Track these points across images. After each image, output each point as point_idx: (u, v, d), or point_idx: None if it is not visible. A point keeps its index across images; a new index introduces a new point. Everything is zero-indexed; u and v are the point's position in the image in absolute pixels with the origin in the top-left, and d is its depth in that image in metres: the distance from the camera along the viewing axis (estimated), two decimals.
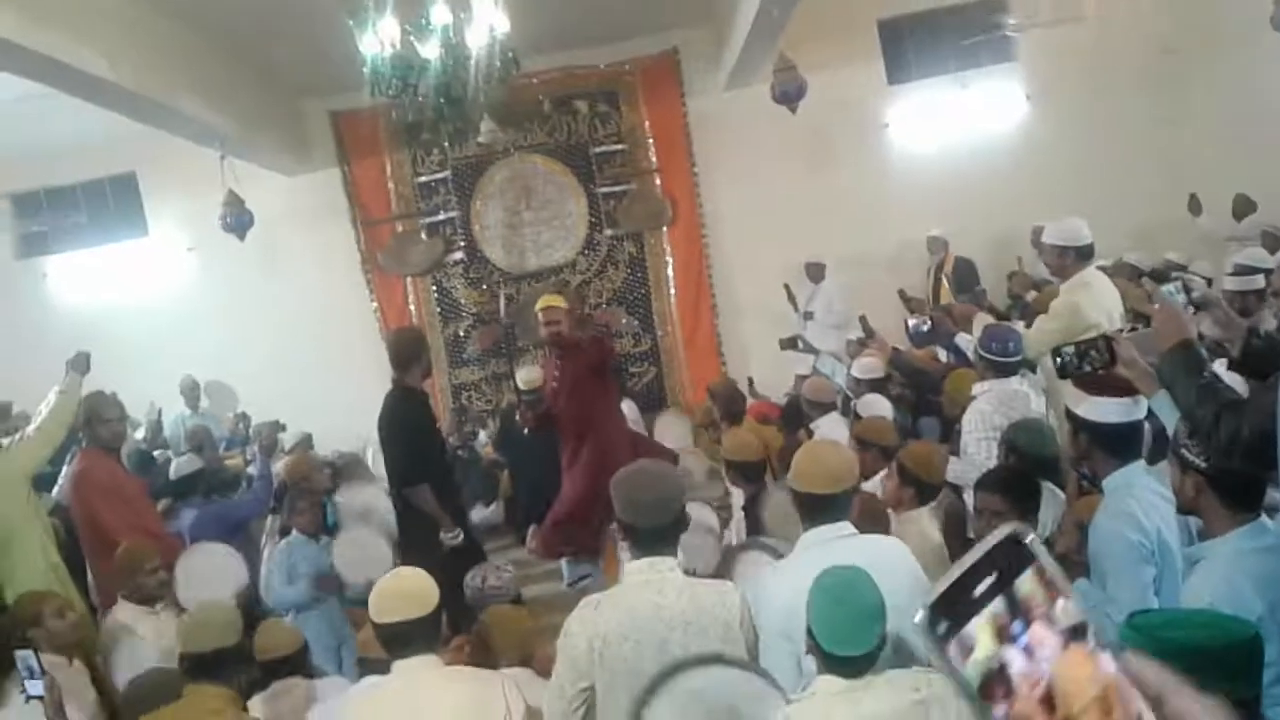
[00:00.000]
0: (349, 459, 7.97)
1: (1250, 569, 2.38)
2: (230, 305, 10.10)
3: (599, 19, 9.17)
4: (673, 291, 10.27)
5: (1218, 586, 2.41)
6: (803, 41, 8.57)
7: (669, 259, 10.24)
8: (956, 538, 4.47)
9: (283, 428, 8.30)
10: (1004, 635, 0.65)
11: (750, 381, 8.35)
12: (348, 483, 6.52)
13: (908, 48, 10.41)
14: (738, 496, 4.73)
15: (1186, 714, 0.65)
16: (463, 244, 10.14)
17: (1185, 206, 8.99)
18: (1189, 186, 9.03)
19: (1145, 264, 8.03)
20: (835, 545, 2.87)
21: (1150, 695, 0.65)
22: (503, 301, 9.16)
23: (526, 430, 6.38)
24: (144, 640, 4.23)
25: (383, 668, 3.00)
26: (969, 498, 4.46)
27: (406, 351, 5.68)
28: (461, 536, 5.58)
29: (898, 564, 2.98)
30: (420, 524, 5.45)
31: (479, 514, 7.98)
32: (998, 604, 0.66)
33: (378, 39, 5.01)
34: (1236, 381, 2.87)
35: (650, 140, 10.15)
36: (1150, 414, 3.07)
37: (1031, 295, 7.23)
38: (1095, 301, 5.08)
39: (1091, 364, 2.42)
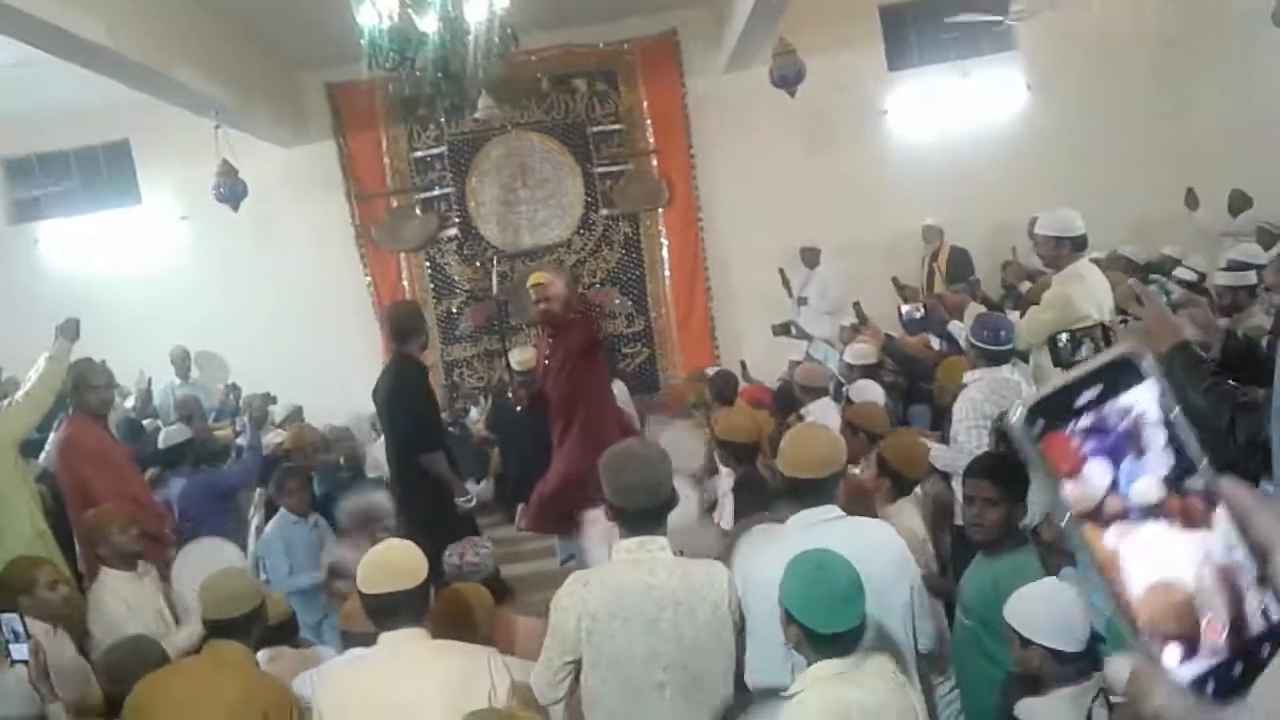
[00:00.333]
0: (340, 433, 7.97)
1: None
2: (222, 276, 10.05)
3: None
4: (667, 273, 10.25)
5: None
6: (803, 25, 8.54)
7: (664, 240, 10.22)
8: (943, 525, 4.50)
9: (273, 400, 8.29)
10: (1095, 447, 0.66)
11: (743, 365, 8.35)
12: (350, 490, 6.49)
13: (909, 34, 10.37)
14: (728, 478, 4.74)
15: None
16: (457, 220, 10.10)
17: (1183, 200, 9.00)
18: (1188, 180, 9.03)
19: (1140, 257, 8.05)
20: (822, 528, 2.89)
21: (1259, 542, 0.65)
22: (495, 278, 9.14)
23: (519, 408, 6.40)
24: (129, 606, 4.22)
25: (366, 641, 3.00)
26: (957, 485, 4.48)
27: (406, 323, 5.72)
28: (475, 501, 5.69)
29: (884, 546, 3.00)
30: (426, 495, 5.49)
31: (470, 490, 8.00)
32: (1097, 416, 0.66)
33: (376, 11, 4.98)
34: None
35: (648, 121, 10.12)
36: None
37: (1025, 286, 7.24)
38: (1088, 293, 5.09)
39: (1088, 351, 2.42)
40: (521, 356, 7.37)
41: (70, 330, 5.16)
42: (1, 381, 7.70)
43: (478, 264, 10.10)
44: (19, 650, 3.42)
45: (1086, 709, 2.35)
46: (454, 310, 10.17)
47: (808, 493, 2.96)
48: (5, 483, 4.68)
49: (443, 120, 9.69)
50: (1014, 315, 5.78)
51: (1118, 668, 0.66)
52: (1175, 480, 0.66)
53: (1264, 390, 2.31)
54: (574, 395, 5.85)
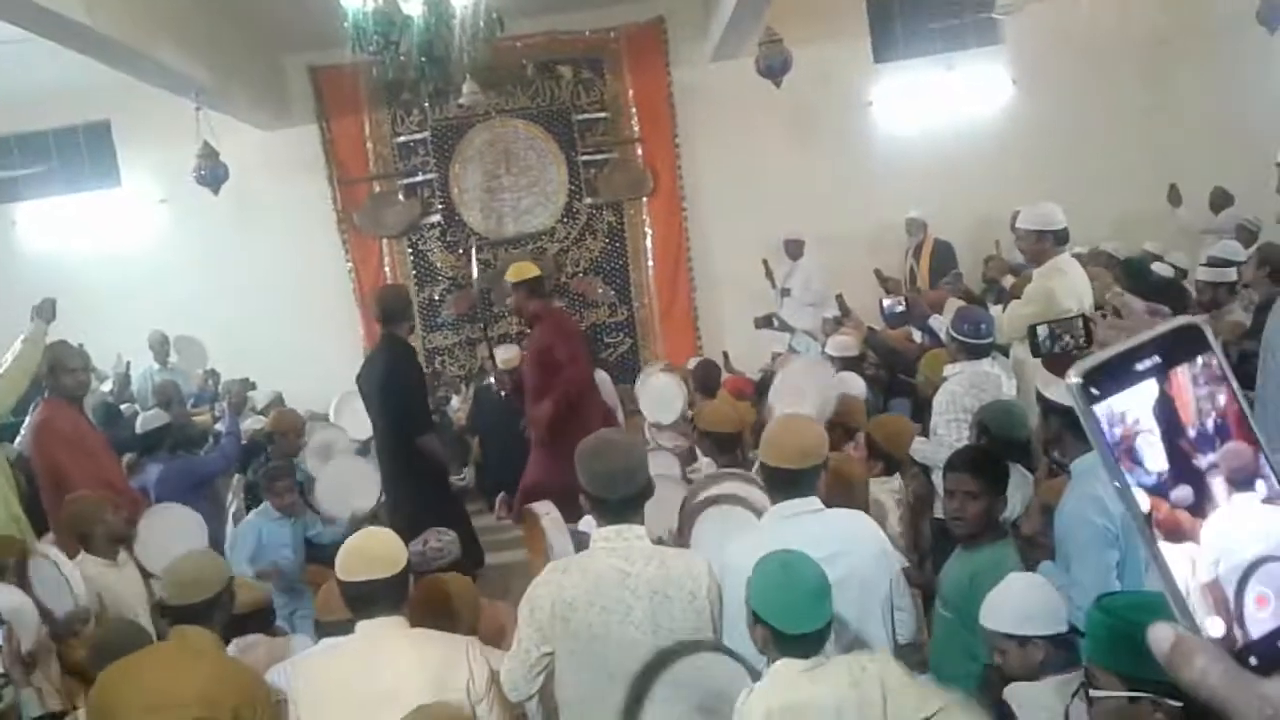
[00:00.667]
0: (319, 419, 7.92)
1: None
2: (202, 260, 9.97)
3: None
4: (651, 263, 10.24)
5: None
6: (789, 15, 8.52)
7: (648, 230, 10.21)
8: (923, 517, 4.51)
9: (253, 385, 8.24)
10: (1150, 414, 0.66)
11: (725, 355, 8.35)
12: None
13: (895, 26, 10.37)
14: (708, 469, 4.73)
15: None
16: (440, 207, 10.05)
17: (1165, 197, 9.04)
18: (1171, 177, 9.08)
19: (1122, 253, 8.09)
20: (802, 520, 2.89)
21: None
22: (475, 266, 9.11)
23: (504, 393, 6.43)
24: (108, 593, 4.19)
25: (341, 631, 2.98)
26: (937, 478, 4.49)
27: (395, 306, 5.79)
28: (471, 481, 5.75)
29: (865, 538, 3.00)
30: (418, 479, 5.50)
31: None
32: (1154, 384, 0.66)
33: None
34: None
35: (633, 109, 10.09)
36: None
37: (1008, 280, 7.25)
38: (1069, 287, 5.11)
39: (1068, 344, 2.40)
40: (505, 355, 7.39)
41: (46, 311, 5.11)
42: None
43: (460, 251, 10.05)
44: None
45: (1067, 700, 2.35)
46: (436, 298, 10.13)
47: (788, 483, 2.95)
48: None
49: (426, 105, 9.63)
50: (996, 309, 5.79)
51: (1160, 634, 0.65)
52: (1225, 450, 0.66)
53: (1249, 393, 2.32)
54: (551, 385, 5.88)
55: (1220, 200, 8.81)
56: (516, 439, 6.38)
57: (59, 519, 4.69)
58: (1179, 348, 0.67)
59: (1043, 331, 2.27)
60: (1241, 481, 0.66)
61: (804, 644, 2.47)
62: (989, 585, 2.89)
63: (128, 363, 9.02)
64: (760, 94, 8.80)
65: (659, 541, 3.43)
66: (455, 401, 9.16)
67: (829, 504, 3.03)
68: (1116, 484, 0.66)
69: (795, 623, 2.45)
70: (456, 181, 10.01)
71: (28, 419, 5.59)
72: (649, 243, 10.22)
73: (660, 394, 6.32)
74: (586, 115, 10.02)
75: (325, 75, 9.77)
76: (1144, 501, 0.65)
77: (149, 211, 10.09)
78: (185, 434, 6.45)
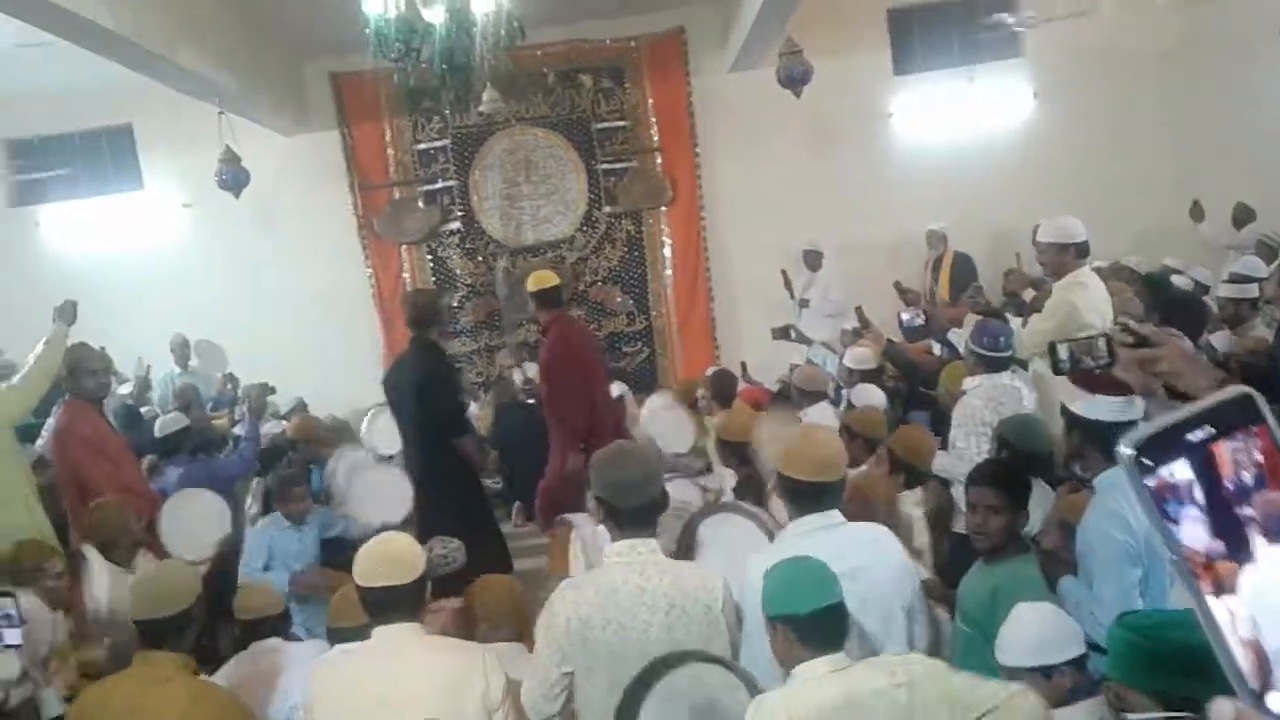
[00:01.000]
0: (339, 424, 7.95)
1: None
2: (223, 264, 10.02)
3: None
4: (669, 272, 10.23)
5: None
6: (811, 26, 8.51)
7: (667, 239, 10.20)
8: (943, 531, 4.48)
9: (272, 390, 8.23)
10: (1205, 485, 0.65)
11: (743, 366, 8.33)
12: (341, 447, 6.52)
13: (915, 38, 10.35)
14: (729, 478, 4.72)
15: None
16: (460, 214, 10.07)
17: (1187, 211, 8.99)
18: (1193, 190, 9.02)
19: (1143, 267, 8.04)
20: (823, 535, 2.85)
21: None
22: (500, 274, 9.13)
23: (531, 400, 6.48)
24: (124, 598, 4.20)
25: (355, 637, 2.97)
26: (956, 491, 4.46)
27: (427, 309, 5.83)
28: (500, 483, 5.81)
29: (886, 552, 2.97)
30: (455, 483, 5.52)
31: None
32: (1208, 454, 0.66)
33: (381, 1, 4.95)
34: None
35: (653, 118, 10.09)
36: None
37: (1029, 294, 7.22)
38: (1091, 302, 5.07)
39: (1089, 366, 2.35)
40: (532, 372, 7.48)
41: (67, 313, 5.14)
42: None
43: (479, 258, 10.08)
44: (12, 635, 3.40)
45: None
46: (455, 304, 10.14)
47: (810, 497, 2.91)
48: (0, 467, 4.66)
49: (447, 112, 9.67)
50: (1015, 322, 5.76)
51: (1222, 711, 0.64)
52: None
53: None
54: (555, 395, 5.96)
55: (1243, 215, 8.75)
56: (538, 449, 6.42)
57: (82, 523, 4.70)
58: (1232, 417, 0.66)
59: (1063, 351, 2.23)
60: (1276, 531, 0.65)
61: (821, 630, 2.42)
62: (1010, 600, 2.87)
63: (148, 366, 9.05)
64: (780, 104, 8.79)
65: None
66: (474, 409, 9.17)
67: (850, 520, 3.00)
68: (1173, 557, 0.65)
69: (806, 600, 2.41)
70: (476, 189, 10.03)
71: (49, 421, 5.62)
72: (668, 252, 10.21)
73: (669, 426, 6.32)
74: (606, 124, 10.03)
75: (347, 81, 9.81)
76: (1212, 586, 0.64)
77: (171, 215, 10.15)
78: (205, 438, 6.47)
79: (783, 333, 8.00)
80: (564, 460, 5.86)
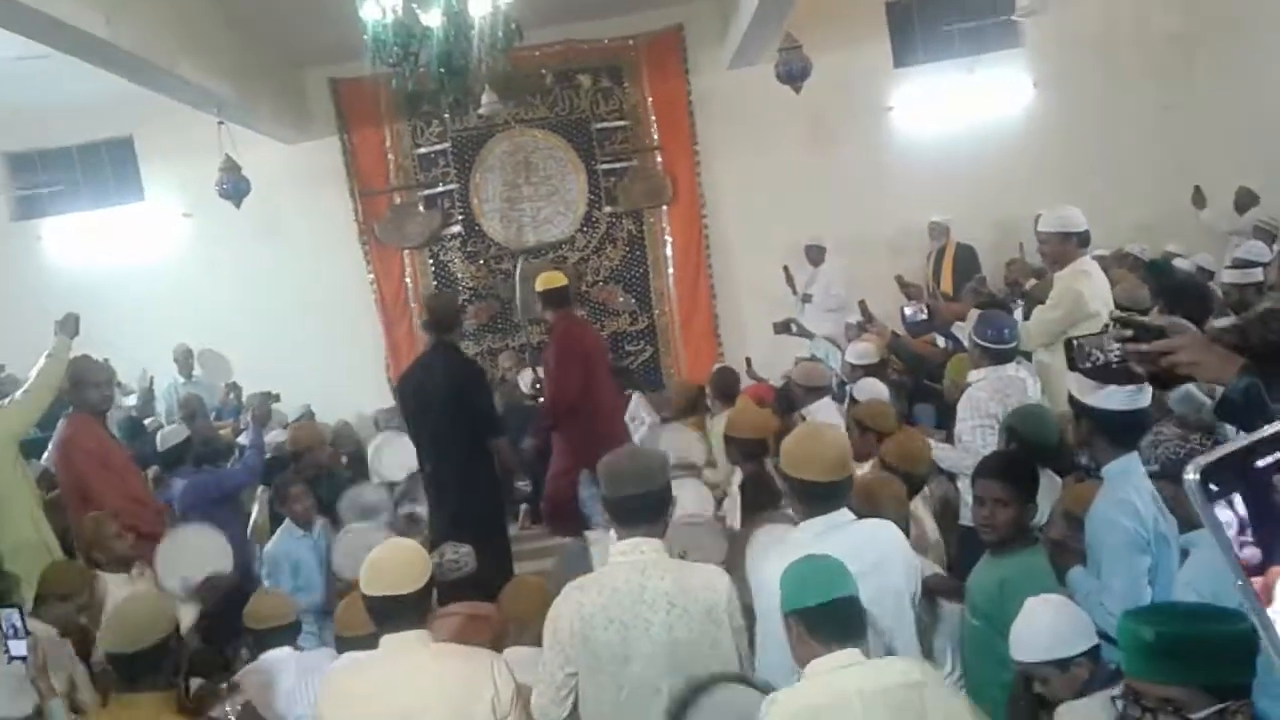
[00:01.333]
0: (343, 430, 7.96)
1: None
2: (225, 273, 10.03)
3: None
4: (671, 271, 10.22)
5: (1202, 573, 2.41)
6: (809, 21, 8.50)
7: (668, 238, 10.18)
8: (950, 525, 4.46)
9: (276, 398, 8.25)
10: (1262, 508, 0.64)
11: (748, 361, 8.33)
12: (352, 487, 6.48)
13: (914, 31, 10.33)
14: (735, 475, 4.71)
15: None
16: (461, 217, 10.07)
17: (1189, 197, 8.96)
18: (1195, 177, 9.00)
19: (1146, 254, 8.02)
20: (836, 535, 2.84)
21: None
22: (517, 277, 9.12)
23: (540, 400, 6.54)
24: None
25: (362, 646, 2.96)
26: (962, 485, 4.45)
27: (448, 313, 5.88)
28: (530, 487, 5.88)
29: (896, 548, 2.96)
30: (487, 487, 5.60)
31: None
32: (1271, 481, 0.65)
33: (379, 5, 4.93)
34: None
35: (652, 117, 10.08)
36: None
37: (1031, 283, 7.20)
38: (1095, 290, 5.08)
39: (1098, 360, 2.27)
40: (526, 380, 7.53)
41: (70, 326, 5.13)
42: (1, 379, 7.67)
43: (481, 261, 10.08)
44: (17, 646, 3.39)
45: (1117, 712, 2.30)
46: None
47: (819, 497, 2.89)
48: (5, 481, 4.65)
49: (446, 116, 9.67)
50: (1018, 313, 5.75)
51: None
52: None
53: None
54: (557, 399, 6.02)
55: (1246, 200, 8.72)
56: (543, 451, 6.43)
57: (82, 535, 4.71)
58: None
59: (1076, 346, 2.17)
60: None
61: (831, 623, 2.42)
62: (1019, 592, 2.85)
63: (151, 377, 9.07)
64: (780, 100, 8.78)
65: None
66: None
67: (859, 517, 2.99)
68: (1239, 582, 0.64)
69: (814, 592, 2.42)
70: (477, 192, 10.03)
71: (54, 435, 5.62)
72: (669, 251, 10.20)
73: (677, 443, 6.33)
74: (605, 124, 10.02)
75: (346, 88, 9.81)
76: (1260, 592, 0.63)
77: (172, 225, 10.16)
78: (210, 447, 6.47)
79: (784, 326, 7.98)
80: (566, 463, 5.88)
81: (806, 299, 9.26)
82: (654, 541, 2.84)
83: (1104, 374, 2.13)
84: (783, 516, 3.46)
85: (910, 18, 10.32)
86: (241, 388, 8.82)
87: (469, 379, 5.69)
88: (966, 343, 5.16)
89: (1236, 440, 0.67)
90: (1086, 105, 9.76)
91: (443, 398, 5.59)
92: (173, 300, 9.89)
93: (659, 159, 10.11)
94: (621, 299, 10.19)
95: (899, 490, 3.72)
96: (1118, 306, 5.11)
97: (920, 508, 4.13)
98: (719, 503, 4.98)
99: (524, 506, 7.26)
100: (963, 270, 9.06)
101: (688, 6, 9.82)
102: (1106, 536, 2.95)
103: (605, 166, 10.04)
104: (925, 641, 3.10)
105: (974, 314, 5.20)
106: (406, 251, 10.11)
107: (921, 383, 6.26)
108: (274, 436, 7.12)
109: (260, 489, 6.37)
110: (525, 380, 7.70)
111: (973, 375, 4.78)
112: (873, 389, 5.47)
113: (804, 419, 5.54)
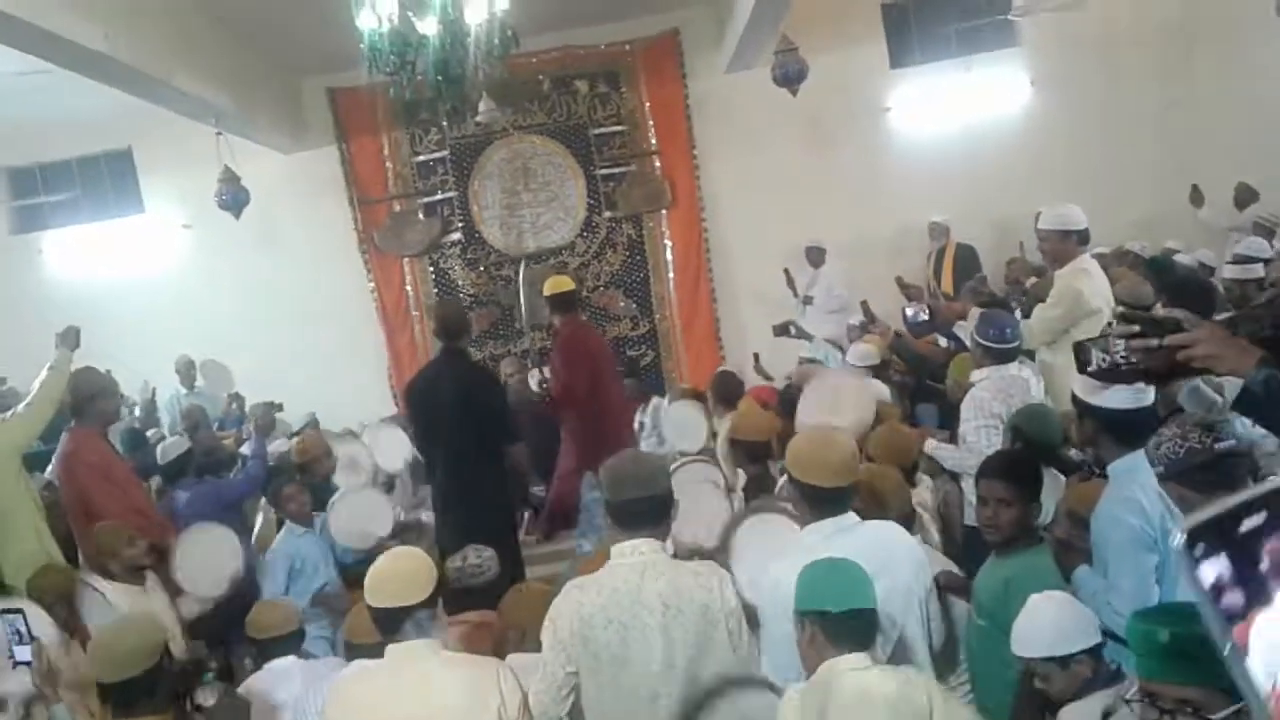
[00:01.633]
0: (344, 438, 7.93)
1: None
2: (226, 284, 10.04)
3: None
4: (671, 275, 10.23)
5: None
6: (805, 24, 8.50)
7: (668, 242, 10.20)
8: (954, 525, 4.46)
9: (279, 408, 8.25)
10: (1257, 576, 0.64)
11: (756, 357, 8.35)
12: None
13: (911, 31, 10.34)
14: (740, 478, 4.70)
15: None
16: (460, 225, 10.08)
17: (1188, 195, 8.95)
18: (1193, 173, 8.99)
19: (1147, 251, 8.01)
20: (843, 538, 2.85)
21: None
22: (522, 282, 9.12)
23: (547, 398, 6.57)
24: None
25: (371, 653, 2.96)
26: (966, 485, 4.44)
27: (458, 321, 5.86)
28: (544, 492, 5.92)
29: (903, 550, 2.97)
30: (501, 492, 5.64)
31: None
32: (1260, 544, 0.64)
33: (375, 15, 4.94)
34: None
35: (650, 122, 10.09)
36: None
37: (1032, 281, 7.20)
38: (1096, 287, 5.07)
39: (1103, 361, 2.22)
40: (534, 380, 7.54)
41: (70, 339, 5.12)
42: (3, 392, 7.67)
43: (482, 268, 10.08)
44: (22, 652, 3.39)
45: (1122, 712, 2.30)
46: None
47: (827, 501, 2.90)
48: (8, 495, 4.65)
49: (444, 124, 9.68)
50: (1018, 312, 5.74)
51: None
52: None
53: None
54: (563, 400, 6.10)
55: (1245, 196, 8.72)
56: (549, 455, 6.45)
57: (88, 547, 4.71)
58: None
59: (1081, 350, 2.13)
60: None
61: (851, 631, 2.45)
62: (1024, 592, 2.85)
63: (153, 389, 9.06)
64: (777, 103, 8.78)
65: (697, 549, 3.42)
66: None
67: (862, 517, 2.99)
68: (1227, 649, 0.63)
69: (840, 598, 2.44)
70: (476, 199, 10.04)
71: (57, 448, 5.63)
72: (669, 255, 10.21)
73: (683, 422, 6.33)
74: (603, 129, 10.03)
75: (343, 97, 9.83)
76: (1267, 679, 0.62)
77: (172, 237, 10.18)
78: (213, 458, 6.46)
79: (783, 329, 7.98)
80: (572, 463, 5.92)
81: (807, 301, 9.26)
82: (653, 542, 2.86)
83: (1111, 375, 2.10)
84: (773, 507, 3.46)
85: (906, 18, 10.33)
86: (244, 398, 8.81)
87: (482, 384, 5.70)
88: (969, 342, 5.16)
89: (1224, 500, 0.66)
90: (1084, 103, 9.77)
91: (453, 405, 5.57)
92: (174, 311, 9.91)
93: (657, 163, 10.13)
94: (622, 304, 10.20)
95: (897, 479, 3.72)
96: (1121, 304, 5.10)
97: (924, 492, 4.13)
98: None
99: (528, 513, 7.26)
100: (963, 270, 9.06)
101: (684, 11, 9.84)
102: (1112, 535, 2.94)
103: (604, 171, 10.05)
104: (942, 638, 3.09)
105: (975, 313, 5.20)
106: (406, 259, 10.13)
107: (924, 383, 6.26)
108: (277, 446, 7.11)
109: (263, 500, 6.37)
110: (533, 380, 7.68)
111: (976, 375, 4.77)
112: (875, 390, 5.46)
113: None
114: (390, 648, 2.74)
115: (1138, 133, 9.73)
